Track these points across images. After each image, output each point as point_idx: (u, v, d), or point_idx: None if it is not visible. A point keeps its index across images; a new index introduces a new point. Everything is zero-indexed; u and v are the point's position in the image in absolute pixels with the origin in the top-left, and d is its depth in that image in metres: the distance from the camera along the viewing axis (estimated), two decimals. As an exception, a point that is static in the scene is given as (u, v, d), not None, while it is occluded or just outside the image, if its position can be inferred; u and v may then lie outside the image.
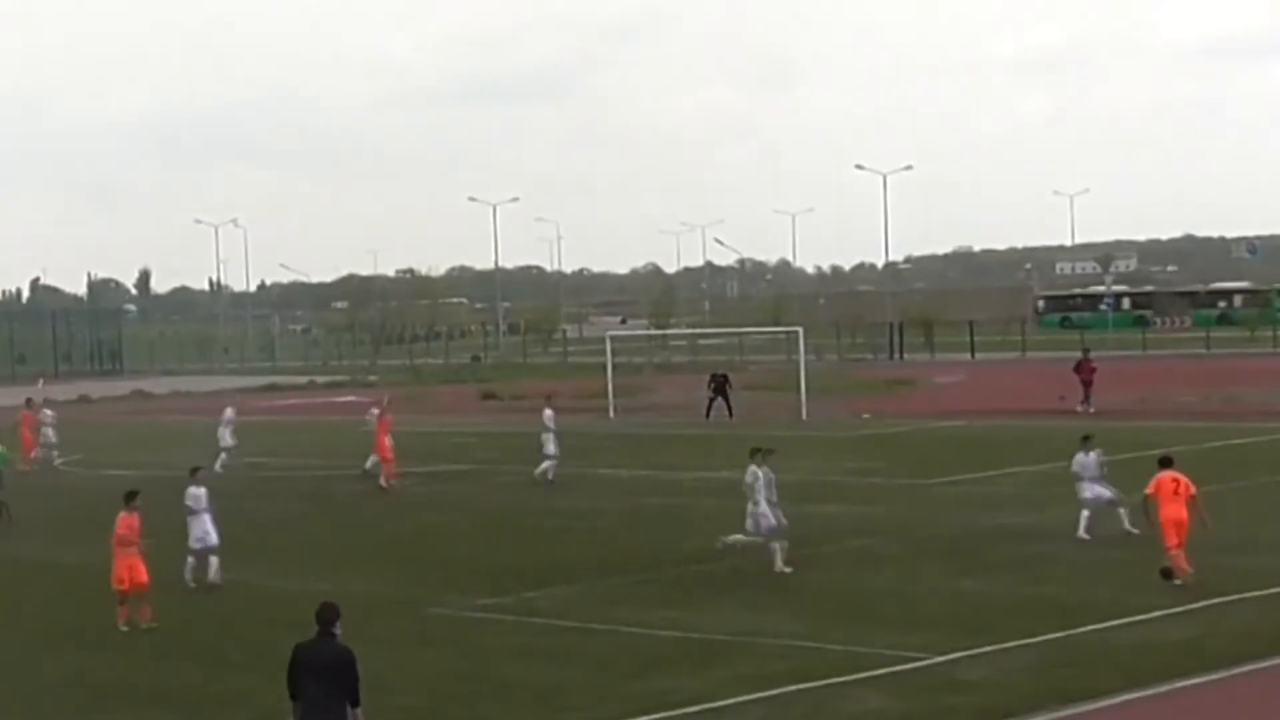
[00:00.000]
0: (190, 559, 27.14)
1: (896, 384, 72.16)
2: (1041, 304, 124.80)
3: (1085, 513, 29.10)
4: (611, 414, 58.82)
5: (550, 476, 39.98)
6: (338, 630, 14.13)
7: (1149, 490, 25.09)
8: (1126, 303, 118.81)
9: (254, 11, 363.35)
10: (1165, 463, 25.47)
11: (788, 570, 26.57)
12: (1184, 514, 24.45)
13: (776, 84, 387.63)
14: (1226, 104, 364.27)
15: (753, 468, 27.37)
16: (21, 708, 20.15)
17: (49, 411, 50.89)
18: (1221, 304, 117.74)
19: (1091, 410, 52.77)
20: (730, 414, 56.70)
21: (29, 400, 52.43)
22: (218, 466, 42.73)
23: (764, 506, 27.11)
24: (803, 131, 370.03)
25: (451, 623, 23.43)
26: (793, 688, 18.92)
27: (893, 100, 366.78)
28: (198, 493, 27.33)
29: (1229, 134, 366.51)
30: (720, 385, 57.89)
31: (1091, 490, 29.33)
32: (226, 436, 45.43)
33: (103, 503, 39.47)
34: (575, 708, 18.68)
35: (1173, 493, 24.71)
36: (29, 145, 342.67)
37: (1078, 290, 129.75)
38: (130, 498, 24.80)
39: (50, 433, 49.24)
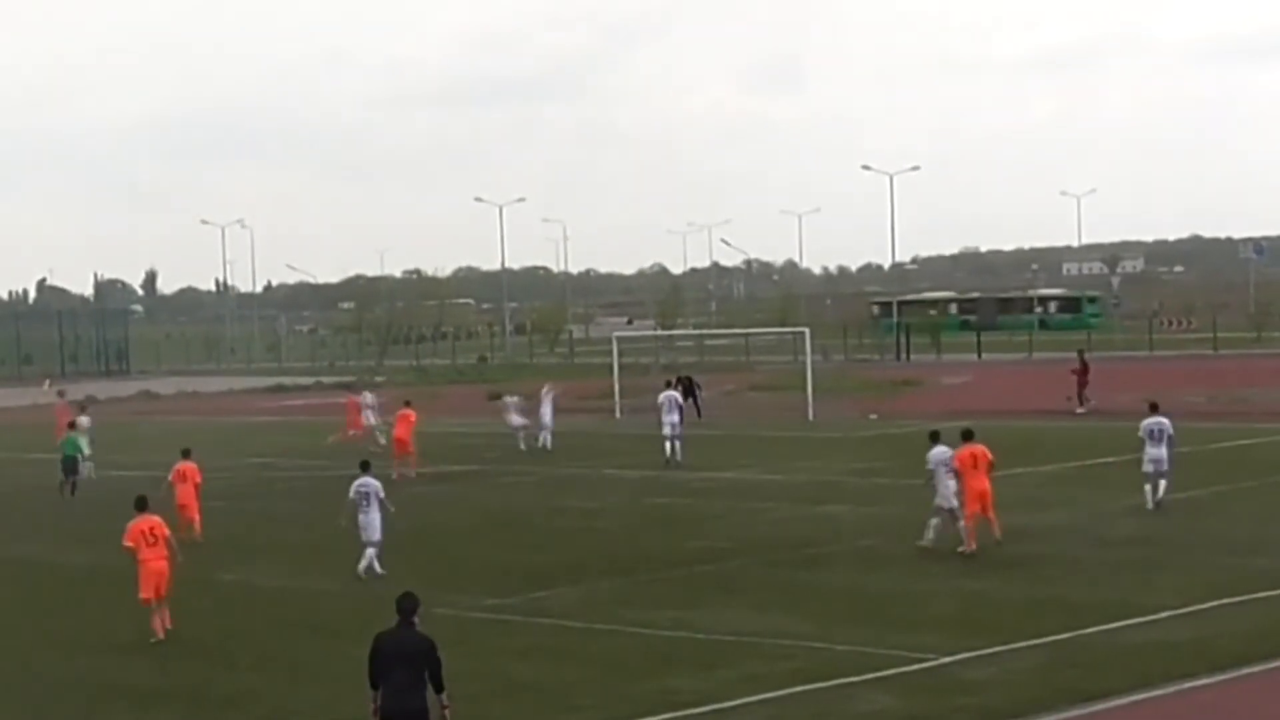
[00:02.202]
0: (371, 551, 27.34)
1: (903, 384, 72.17)
2: (876, 309, 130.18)
3: (1147, 486, 31.07)
4: (618, 414, 58.82)
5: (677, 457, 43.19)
6: (417, 619, 14.38)
7: (954, 465, 27.41)
8: (954, 308, 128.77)
9: (261, 11, 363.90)
10: (967, 436, 28.08)
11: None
12: (985, 484, 27.22)
13: (783, 85, 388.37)
14: (1235, 105, 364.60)
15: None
16: (25, 709, 20.10)
17: (369, 394, 53.25)
18: (1039, 310, 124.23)
19: (1082, 410, 53.49)
20: (699, 415, 56.29)
21: (351, 384, 55.69)
22: (542, 442, 48.12)
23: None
24: (809, 132, 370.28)
25: (458, 623, 23.34)
26: (800, 688, 18.87)
27: (899, 101, 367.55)
28: (374, 484, 27.41)
29: (1237, 135, 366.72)
30: (687, 388, 57.65)
31: (1152, 454, 30.99)
32: (547, 416, 49.33)
33: (108, 503, 39.59)
34: (582, 708, 18.64)
35: (972, 466, 27.31)
36: (36, 146, 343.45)
37: (911, 296, 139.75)
38: (141, 504, 24.28)
39: (371, 415, 51.39)
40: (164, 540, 23.52)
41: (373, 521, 27.32)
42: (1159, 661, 19.58)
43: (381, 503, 27.40)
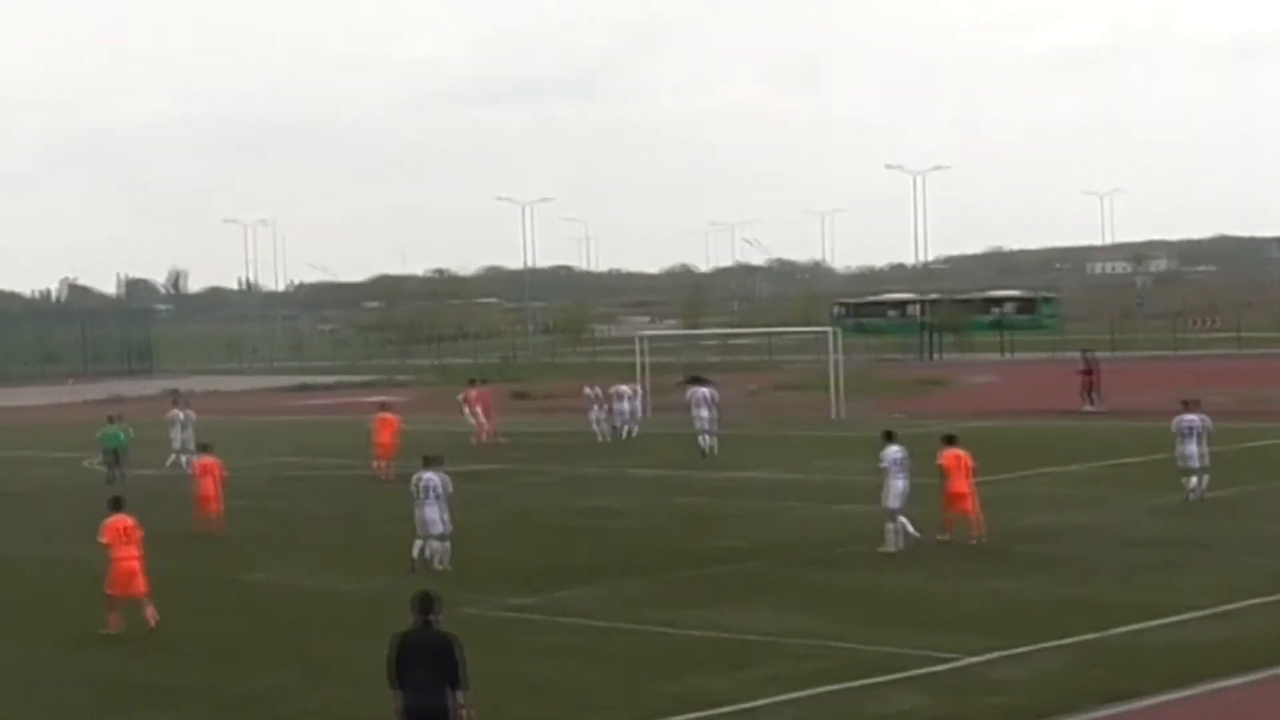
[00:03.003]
0: (419, 543, 27.46)
1: (929, 384, 71.98)
2: (838, 310, 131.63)
3: (1187, 479, 32.13)
4: (642, 413, 58.58)
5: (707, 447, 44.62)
6: (435, 618, 14.35)
7: (940, 462, 28.51)
8: (914, 309, 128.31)
9: (285, 11, 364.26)
10: (950, 440, 29.15)
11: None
12: (964, 487, 28.34)
13: (807, 83, 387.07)
14: (1261, 103, 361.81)
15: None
16: (44, 708, 20.05)
17: (474, 394, 54.08)
18: (996, 310, 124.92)
19: (1100, 408, 53.70)
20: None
21: (472, 380, 56.64)
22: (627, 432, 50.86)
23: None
24: (834, 131, 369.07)
25: (481, 622, 23.26)
26: (825, 688, 18.77)
27: (925, 100, 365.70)
28: (435, 480, 27.64)
29: (1263, 133, 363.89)
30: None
31: (1184, 450, 32.15)
32: (625, 410, 51.52)
33: (133, 504, 39.64)
34: (606, 707, 18.56)
35: (956, 468, 28.43)
36: (61, 145, 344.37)
37: (870, 298, 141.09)
38: (117, 504, 24.44)
39: (476, 412, 52.15)
40: (137, 542, 23.83)
41: (428, 516, 27.37)
42: (1187, 662, 19.44)
43: (439, 499, 27.37)
